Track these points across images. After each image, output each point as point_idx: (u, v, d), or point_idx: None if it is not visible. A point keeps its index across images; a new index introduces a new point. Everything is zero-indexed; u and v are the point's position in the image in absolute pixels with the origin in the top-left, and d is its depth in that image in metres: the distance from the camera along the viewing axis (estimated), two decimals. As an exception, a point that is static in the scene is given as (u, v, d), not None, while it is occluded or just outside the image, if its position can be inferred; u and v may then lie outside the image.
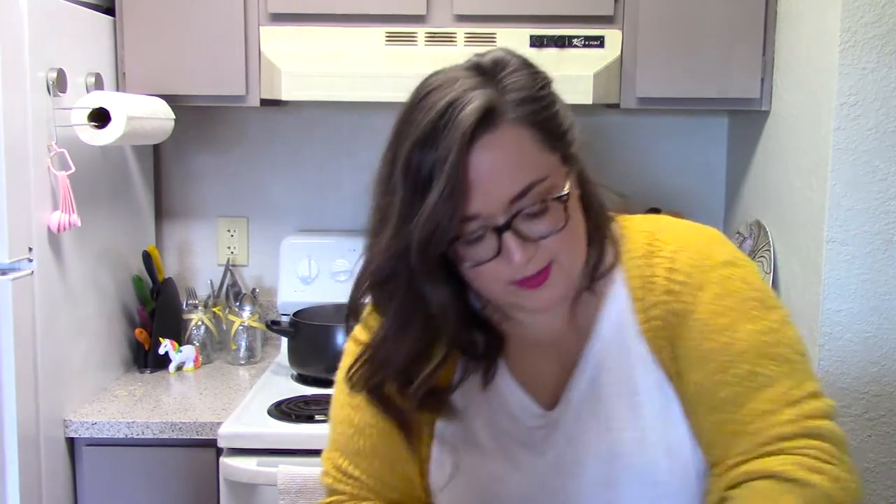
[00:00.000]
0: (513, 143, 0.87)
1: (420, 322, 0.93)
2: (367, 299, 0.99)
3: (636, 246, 1.00)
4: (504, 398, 1.02)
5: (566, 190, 0.90)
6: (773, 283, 1.97)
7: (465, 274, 0.92)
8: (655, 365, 0.97)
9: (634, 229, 1.02)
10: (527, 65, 0.91)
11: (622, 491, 0.97)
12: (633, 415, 0.97)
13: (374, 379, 0.98)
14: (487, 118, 0.86)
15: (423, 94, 0.89)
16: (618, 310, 0.99)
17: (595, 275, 0.99)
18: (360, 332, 1.04)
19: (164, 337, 2.16)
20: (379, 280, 0.93)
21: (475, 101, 0.85)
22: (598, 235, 0.98)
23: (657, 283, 0.97)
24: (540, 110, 0.89)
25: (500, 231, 0.88)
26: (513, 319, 1.01)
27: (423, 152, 0.86)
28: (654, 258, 0.99)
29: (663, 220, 1.05)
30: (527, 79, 0.90)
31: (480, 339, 1.00)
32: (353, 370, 0.99)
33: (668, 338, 0.96)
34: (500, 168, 0.86)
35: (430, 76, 0.92)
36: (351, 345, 1.05)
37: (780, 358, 0.93)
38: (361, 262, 0.96)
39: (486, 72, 0.89)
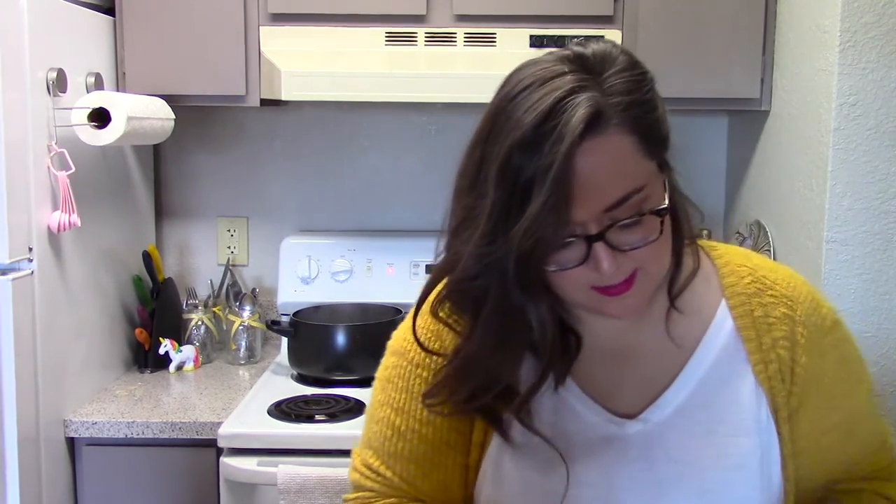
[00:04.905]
0: (616, 150, 0.82)
1: (517, 334, 0.89)
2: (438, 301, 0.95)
3: (738, 279, 0.99)
4: (570, 406, 0.96)
5: (665, 203, 0.85)
6: (773, 283, 1.97)
7: (547, 277, 0.87)
8: (765, 406, 0.96)
9: (732, 261, 1.00)
10: (634, 64, 0.86)
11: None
12: (734, 451, 0.95)
13: (462, 393, 0.92)
14: (594, 123, 0.80)
15: (522, 87, 0.83)
16: (725, 338, 0.97)
17: (673, 287, 0.95)
18: (408, 339, 1.00)
19: (165, 337, 2.16)
20: (463, 285, 0.89)
21: (583, 107, 0.80)
22: (680, 247, 0.93)
23: (774, 326, 0.97)
24: (644, 115, 0.84)
25: (590, 240, 0.83)
26: (583, 325, 0.96)
27: (524, 155, 0.80)
28: (765, 296, 0.98)
29: (754, 255, 1.03)
30: (634, 81, 0.85)
31: (572, 341, 0.94)
32: (434, 387, 0.94)
33: (787, 389, 0.96)
34: (601, 176, 0.81)
35: (526, 65, 0.85)
36: (403, 345, 1.01)
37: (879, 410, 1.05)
38: (440, 261, 0.92)
39: (591, 68, 0.84)
